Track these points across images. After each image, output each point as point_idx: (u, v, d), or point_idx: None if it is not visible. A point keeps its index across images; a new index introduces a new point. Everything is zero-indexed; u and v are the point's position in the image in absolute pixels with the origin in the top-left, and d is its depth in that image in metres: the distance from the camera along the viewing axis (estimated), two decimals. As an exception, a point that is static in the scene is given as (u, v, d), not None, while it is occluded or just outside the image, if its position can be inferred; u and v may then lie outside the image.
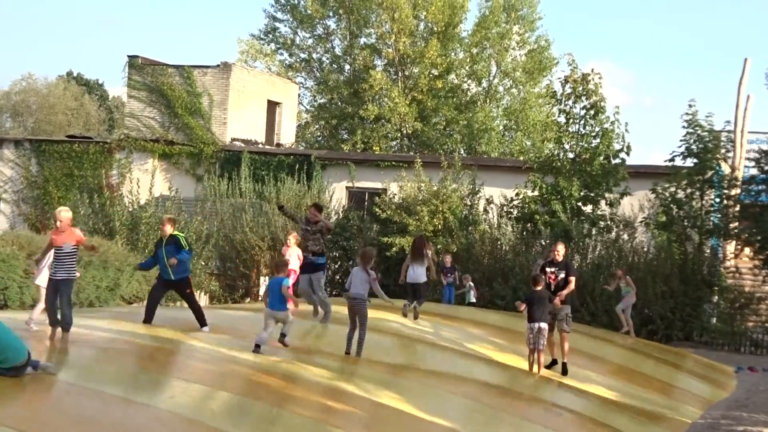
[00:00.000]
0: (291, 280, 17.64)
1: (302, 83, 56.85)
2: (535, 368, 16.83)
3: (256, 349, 13.80)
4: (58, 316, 13.23)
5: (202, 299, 29.88)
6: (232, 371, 12.75)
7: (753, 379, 21.33)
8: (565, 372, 17.18)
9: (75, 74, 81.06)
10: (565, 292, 17.43)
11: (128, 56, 40.45)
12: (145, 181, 32.36)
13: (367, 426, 11.09)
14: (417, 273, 19.31)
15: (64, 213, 13.41)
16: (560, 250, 17.94)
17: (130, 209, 29.58)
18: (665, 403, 16.98)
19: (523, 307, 16.98)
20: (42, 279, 14.32)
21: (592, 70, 29.83)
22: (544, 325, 16.67)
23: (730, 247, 30.38)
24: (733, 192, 29.06)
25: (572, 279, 17.55)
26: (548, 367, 17.35)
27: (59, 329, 13.25)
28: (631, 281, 24.76)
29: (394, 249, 29.52)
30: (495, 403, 13.93)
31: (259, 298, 31.28)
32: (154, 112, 39.74)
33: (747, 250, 29.38)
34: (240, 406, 10.85)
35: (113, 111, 75.48)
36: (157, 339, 14.51)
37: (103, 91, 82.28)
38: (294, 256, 18.79)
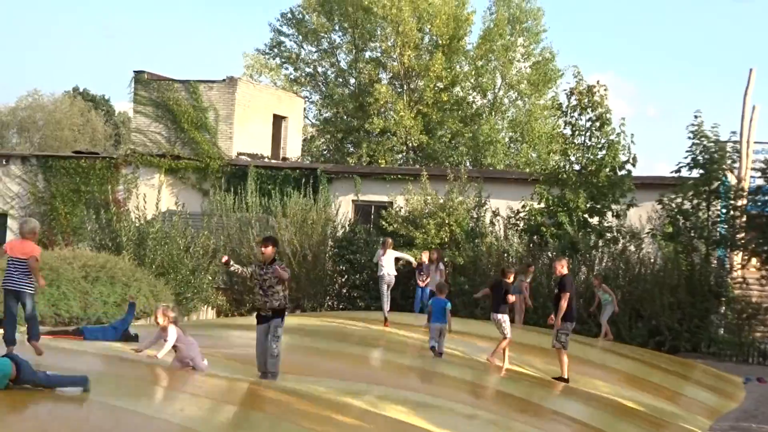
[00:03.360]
0: None
1: (308, 97, 56.79)
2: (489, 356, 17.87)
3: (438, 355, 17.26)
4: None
5: (209, 313, 29.93)
6: (239, 387, 12.78)
7: (761, 389, 21.41)
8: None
9: (81, 90, 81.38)
10: (559, 313, 17.58)
11: (134, 72, 40.54)
12: (152, 196, 32.38)
13: None
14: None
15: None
16: (559, 266, 18.25)
17: (137, 224, 29.49)
18: (674, 412, 17.05)
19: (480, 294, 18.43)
20: None
21: (598, 82, 30.02)
22: (499, 316, 17.53)
23: (737, 257, 30.26)
24: (740, 202, 29.12)
25: (563, 296, 17.56)
26: (556, 378, 17.62)
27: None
28: (609, 288, 24.98)
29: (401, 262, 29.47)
30: (504, 413, 13.93)
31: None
32: (160, 127, 39.72)
33: (754, 261, 29.41)
34: (246, 419, 10.86)
35: (119, 126, 75.62)
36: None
37: (110, 107, 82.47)
38: None
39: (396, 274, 22.85)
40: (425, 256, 25.52)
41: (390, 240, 23.51)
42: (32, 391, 10.31)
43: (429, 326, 17.99)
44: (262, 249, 13.86)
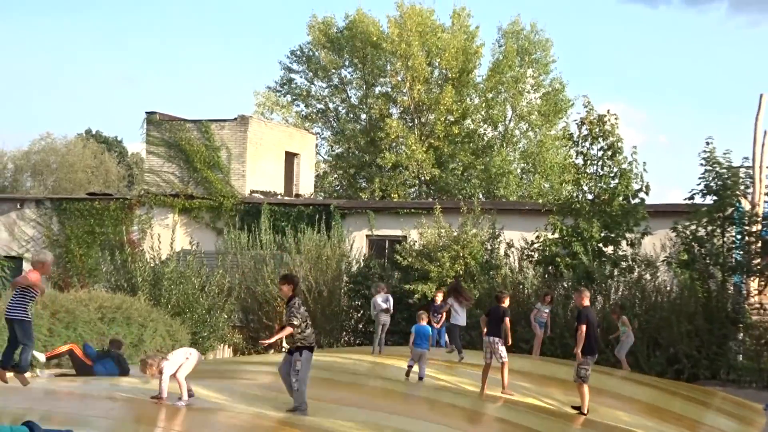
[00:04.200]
0: None
1: (319, 133, 57.07)
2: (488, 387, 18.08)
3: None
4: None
5: (225, 352, 29.91)
6: (260, 426, 12.70)
7: None
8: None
9: (94, 132, 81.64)
10: (578, 347, 17.52)
11: (146, 113, 40.66)
12: (166, 236, 32.39)
13: None
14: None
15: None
16: (579, 298, 18.27)
17: (152, 264, 29.52)
18: None
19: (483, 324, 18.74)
20: None
21: (608, 111, 29.93)
22: (493, 339, 18.06)
23: (754, 283, 30.06)
24: (755, 228, 28.99)
25: (580, 328, 17.48)
26: (575, 408, 17.59)
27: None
28: (627, 320, 24.89)
29: (416, 296, 29.48)
30: None
31: (282, 349, 31.37)
32: (173, 167, 39.88)
33: None
34: None
35: (132, 167, 75.85)
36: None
37: (122, 148, 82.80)
38: None
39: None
40: (439, 296, 24.60)
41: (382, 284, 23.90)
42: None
43: (412, 350, 19.53)
44: (280, 287, 14.65)
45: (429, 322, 20.94)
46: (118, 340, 19.36)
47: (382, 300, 23.07)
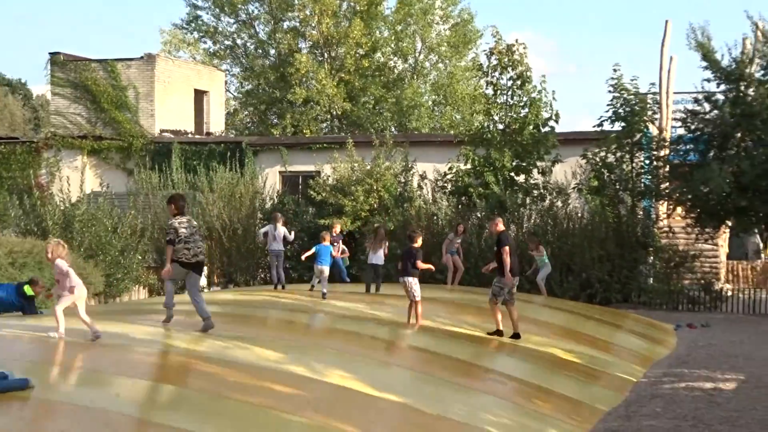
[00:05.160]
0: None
1: (228, 70, 56.45)
2: (412, 319, 17.87)
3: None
4: None
5: (141, 293, 29.68)
6: (175, 362, 12.70)
7: (692, 335, 21.69)
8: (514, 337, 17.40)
9: (-4, 75, 79.58)
10: (506, 268, 17.29)
11: (50, 53, 39.95)
12: (76, 179, 31.97)
13: (315, 408, 10.98)
14: (378, 257, 22.28)
15: None
16: (494, 225, 18.27)
17: (62, 208, 29.13)
18: (609, 361, 17.16)
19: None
20: None
21: (516, 41, 30.22)
22: (408, 279, 17.85)
23: (663, 207, 30.73)
24: (662, 153, 29.37)
25: (504, 250, 17.28)
26: (491, 333, 17.51)
27: None
28: (543, 250, 25.22)
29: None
30: (442, 374, 13.98)
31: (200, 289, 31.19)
32: (80, 109, 39.28)
33: (679, 210, 29.76)
34: (183, 398, 10.74)
35: (38, 110, 74.31)
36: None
37: (27, 90, 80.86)
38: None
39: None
40: (337, 227, 25.45)
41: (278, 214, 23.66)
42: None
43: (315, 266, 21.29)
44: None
45: (332, 243, 22.25)
46: (35, 279, 19.00)
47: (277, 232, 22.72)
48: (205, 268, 31.51)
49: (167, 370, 12.34)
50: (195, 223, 14.92)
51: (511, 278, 17.34)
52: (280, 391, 11.43)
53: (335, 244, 23.64)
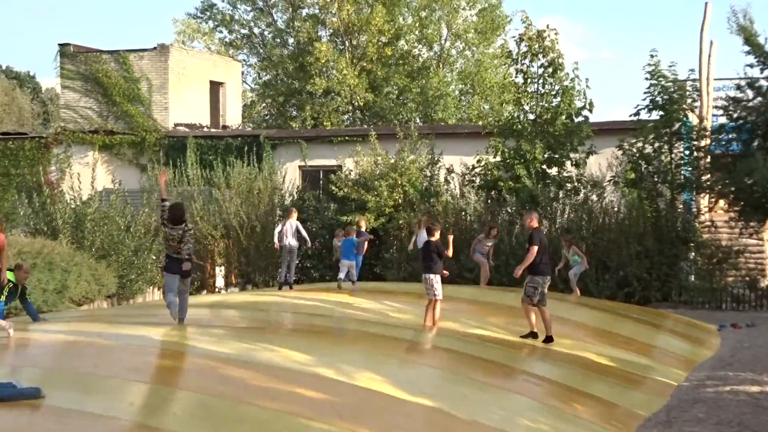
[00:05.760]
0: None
1: (245, 60, 56.59)
2: (428, 321, 17.74)
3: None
4: None
5: (155, 294, 29.16)
6: (194, 365, 12.65)
7: (737, 336, 21.40)
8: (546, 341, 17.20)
9: (4, 67, 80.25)
10: (523, 264, 17.39)
11: (59, 45, 39.54)
12: (87, 175, 31.35)
13: (340, 414, 10.67)
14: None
15: None
16: (529, 220, 18.08)
17: (73, 206, 28.66)
18: (648, 365, 16.88)
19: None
20: None
21: (547, 26, 29.73)
22: (429, 276, 17.65)
23: (704, 200, 30.29)
24: (703, 143, 29.03)
25: (531, 248, 17.21)
26: (524, 336, 17.37)
27: None
28: (579, 250, 24.75)
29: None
30: (475, 376, 13.89)
31: (216, 290, 30.73)
32: (90, 102, 38.94)
33: (721, 203, 29.42)
34: (202, 405, 10.59)
35: (47, 104, 74.51)
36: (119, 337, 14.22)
37: (36, 84, 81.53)
38: None
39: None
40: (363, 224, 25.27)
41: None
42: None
43: (341, 262, 22.48)
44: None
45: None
46: (20, 264, 17.87)
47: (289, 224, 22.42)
48: (223, 268, 31.31)
49: (186, 375, 12.36)
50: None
51: (518, 273, 17.42)
52: (305, 396, 11.29)
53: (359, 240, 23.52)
